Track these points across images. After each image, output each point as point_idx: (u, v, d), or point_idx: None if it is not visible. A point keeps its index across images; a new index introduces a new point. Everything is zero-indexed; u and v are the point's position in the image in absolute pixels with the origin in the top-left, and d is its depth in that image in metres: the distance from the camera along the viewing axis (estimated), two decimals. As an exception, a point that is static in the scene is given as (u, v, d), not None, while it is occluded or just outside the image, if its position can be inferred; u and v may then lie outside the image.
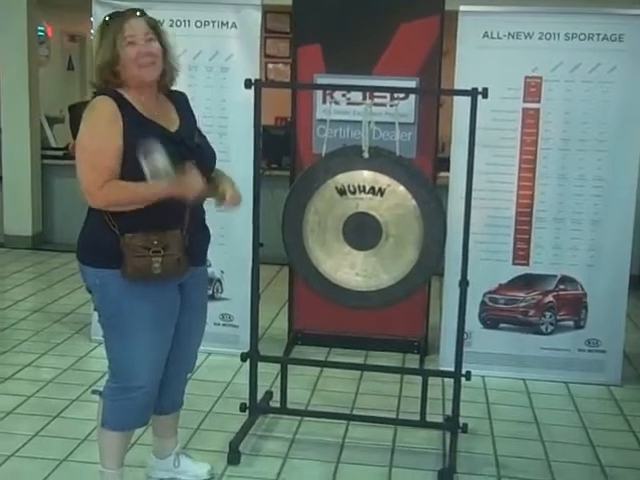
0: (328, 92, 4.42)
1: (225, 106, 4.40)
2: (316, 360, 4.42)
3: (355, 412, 3.87)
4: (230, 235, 4.23)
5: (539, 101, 4.18)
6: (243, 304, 3.94)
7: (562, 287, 4.33)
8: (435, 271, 3.57)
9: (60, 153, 7.43)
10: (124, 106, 2.59)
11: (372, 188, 3.33)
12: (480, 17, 4.19)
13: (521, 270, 4.33)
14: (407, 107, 4.39)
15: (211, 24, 4.38)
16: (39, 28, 8.23)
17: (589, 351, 4.35)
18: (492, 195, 4.21)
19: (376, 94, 4.16)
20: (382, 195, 3.32)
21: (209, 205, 2.84)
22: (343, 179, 3.35)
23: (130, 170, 2.54)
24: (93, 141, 2.57)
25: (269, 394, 3.85)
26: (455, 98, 4.17)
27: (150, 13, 2.69)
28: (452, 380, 3.44)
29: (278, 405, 3.63)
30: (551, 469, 3.41)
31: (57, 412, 3.74)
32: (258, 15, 4.35)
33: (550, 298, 4.35)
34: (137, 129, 2.58)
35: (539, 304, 4.36)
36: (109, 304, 2.68)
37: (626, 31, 4.09)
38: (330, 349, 4.68)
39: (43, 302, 5.55)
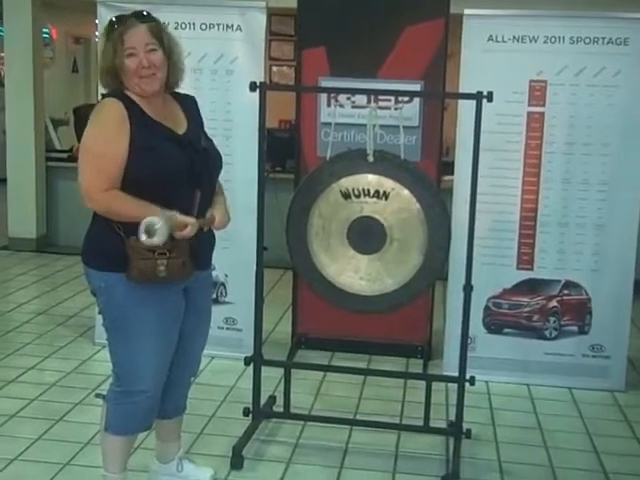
0: (333, 95, 4.43)
1: (230, 109, 4.39)
2: (320, 364, 4.40)
3: (358, 417, 3.87)
4: (234, 239, 4.22)
5: (544, 105, 4.17)
6: (247, 308, 3.93)
7: (566, 292, 4.31)
8: (439, 275, 3.57)
9: (65, 155, 7.44)
10: (132, 108, 2.59)
11: (377, 192, 3.31)
12: (485, 21, 4.18)
13: (525, 275, 4.31)
14: (411, 110, 4.38)
15: (216, 27, 4.39)
16: (44, 30, 8.25)
17: (593, 357, 4.33)
18: (496, 199, 4.19)
19: (380, 97, 4.17)
20: (387, 199, 3.31)
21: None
22: (348, 183, 3.34)
23: (135, 170, 2.54)
24: (99, 144, 2.56)
25: (272, 398, 3.84)
26: (460, 102, 4.17)
27: (155, 16, 2.68)
28: (456, 385, 3.42)
29: (281, 410, 3.62)
30: (555, 475, 3.40)
31: (60, 415, 3.73)
32: (263, 18, 4.36)
33: (554, 303, 4.33)
34: (145, 131, 2.58)
35: (543, 309, 4.34)
36: (114, 307, 2.68)
37: (631, 35, 4.08)
38: (333, 353, 4.66)
39: (47, 305, 5.54)
